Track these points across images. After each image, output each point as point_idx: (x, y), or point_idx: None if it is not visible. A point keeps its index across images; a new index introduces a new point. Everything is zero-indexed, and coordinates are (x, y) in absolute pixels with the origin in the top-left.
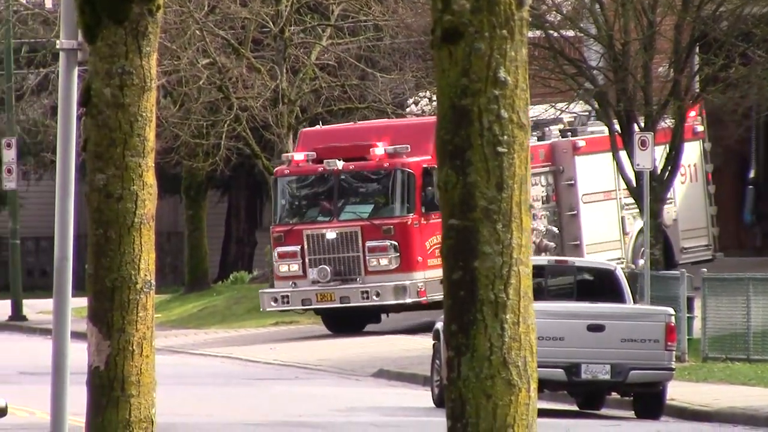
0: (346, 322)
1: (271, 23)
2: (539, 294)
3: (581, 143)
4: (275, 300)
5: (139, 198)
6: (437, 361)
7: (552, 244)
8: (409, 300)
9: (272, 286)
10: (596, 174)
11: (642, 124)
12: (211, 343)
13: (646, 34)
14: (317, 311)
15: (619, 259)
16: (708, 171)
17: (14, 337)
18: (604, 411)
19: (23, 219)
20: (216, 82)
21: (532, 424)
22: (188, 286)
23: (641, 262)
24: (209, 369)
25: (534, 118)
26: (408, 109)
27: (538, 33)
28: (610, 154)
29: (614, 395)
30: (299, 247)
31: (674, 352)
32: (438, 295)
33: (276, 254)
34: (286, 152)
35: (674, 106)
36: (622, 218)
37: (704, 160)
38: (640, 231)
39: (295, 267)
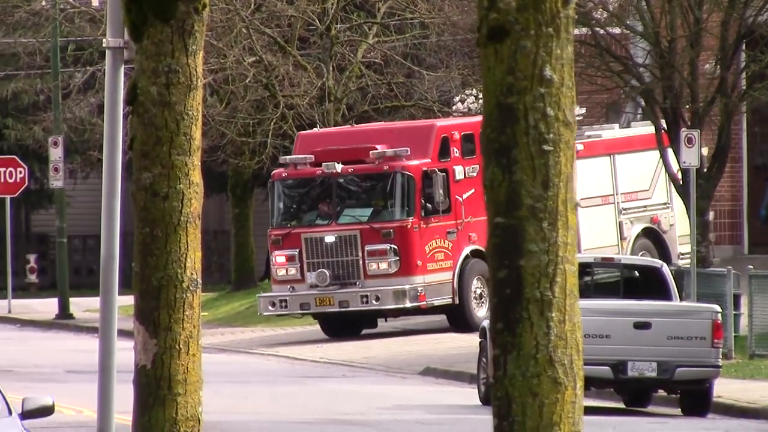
0: (343, 326)
1: (317, 21)
2: (585, 292)
3: (579, 147)
4: (273, 304)
5: (186, 196)
6: (484, 359)
7: None
8: (409, 304)
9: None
10: (594, 178)
11: (688, 122)
12: (258, 341)
13: (693, 30)
14: (315, 315)
15: None
16: None
17: (61, 335)
18: (650, 408)
19: (70, 217)
20: (262, 80)
21: (579, 422)
22: (235, 285)
23: None
24: (256, 367)
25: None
26: (454, 107)
27: (584, 30)
28: (609, 158)
29: (661, 393)
30: (297, 250)
31: (721, 350)
32: (437, 300)
33: (273, 258)
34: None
35: (721, 103)
36: (620, 223)
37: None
38: (638, 236)
39: (293, 271)
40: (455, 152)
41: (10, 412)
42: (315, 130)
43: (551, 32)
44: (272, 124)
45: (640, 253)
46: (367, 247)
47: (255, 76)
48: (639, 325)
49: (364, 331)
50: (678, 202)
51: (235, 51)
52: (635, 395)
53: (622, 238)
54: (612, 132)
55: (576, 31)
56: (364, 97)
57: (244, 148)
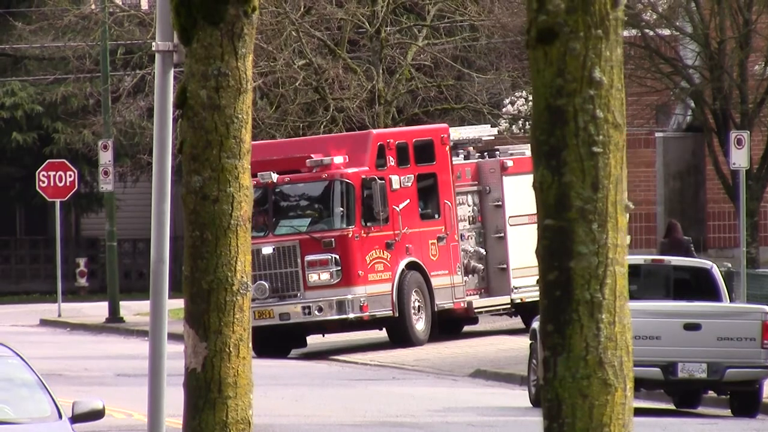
0: (270, 344)
1: (367, 24)
2: (635, 293)
3: (509, 163)
4: None
5: (236, 200)
6: (534, 361)
7: (480, 266)
8: (352, 315)
9: None
10: (523, 196)
11: (738, 123)
12: (308, 344)
13: (742, 32)
14: (253, 330)
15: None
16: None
17: (111, 339)
18: (700, 409)
19: (120, 221)
20: (312, 83)
21: (629, 424)
22: None
23: None
24: (306, 370)
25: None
26: (504, 110)
27: (633, 32)
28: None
29: (711, 394)
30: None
31: None
32: (379, 311)
33: None
34: None
35: None
36: None
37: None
38: None
39: None
40: (391, 161)
41: (61, 416)
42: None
43: (600, 34)
44: (322, 127)
45: None
46: (307, 258)
47: (305, 79)
48: (689, 327)
49: (294, 352)
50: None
51: (285, 54)
52: (685, 396)
53: None
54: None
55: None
56: (414, 99)
57: None
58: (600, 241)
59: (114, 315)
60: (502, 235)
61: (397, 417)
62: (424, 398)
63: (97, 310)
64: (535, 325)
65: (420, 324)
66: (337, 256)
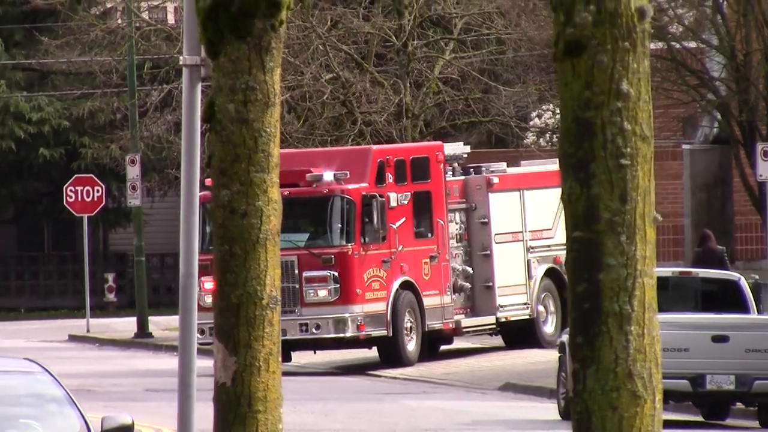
0: None
1: (394, 37)
2: (663, 305)
3: (495, 180)
4: (202, 332)
5: (264, 214)
6: (563, 374)
7: (467, 285)
8: (349, 334)
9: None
10: (507, 213)
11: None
12: (338, 358)
13: None
14: None
15: (525, 304)
16: None
17: (140, 354)
18: (728, 421)
19: (148, 236)
20: (339, 96)
21: None
22: None
23: (541, 308)
24: (335, 384)
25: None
26: (531, 123)
27: (659, 45)
28: (518, 193)
29: (739, 405)
30: None
31: None
32: (375, 331)
33: (201, 284)
34: None
35: None
36: (528, 261)
37: None
38: (543, 276)
39: None
40: (389, 178)
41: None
42: None
43: (627, 46)
44: (350, 140)
45: (543, 296)
46: (306, 274)
47: (332, 93)
48: (717, 339)
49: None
50: None
51: (312, 68)
52: (713, 408)
53: (529, 277)
54: (517, 167)
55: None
56: (441, 113)
57: None
58: (629, 253)
59: (142, 330)
60: (488, 252)
61: (426, 430)
62: (454, 412)
63: (125, 326)
64: (564, 337)
65: (411, 345)
66: (336, 274)
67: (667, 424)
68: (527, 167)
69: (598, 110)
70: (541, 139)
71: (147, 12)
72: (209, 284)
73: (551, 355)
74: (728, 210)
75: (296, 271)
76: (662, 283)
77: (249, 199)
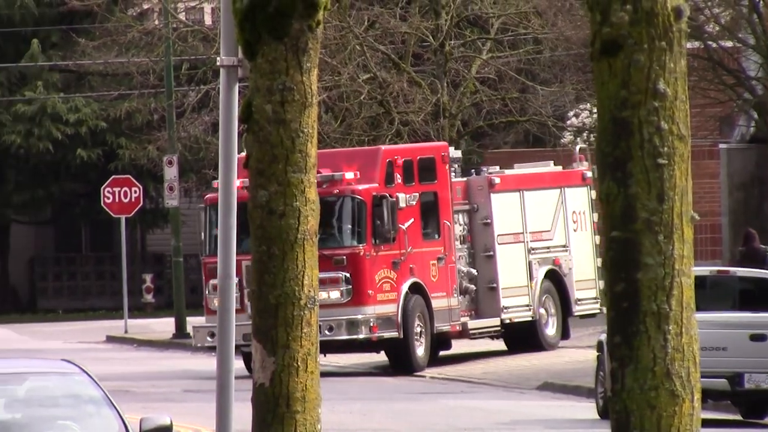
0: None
1: (431, 37)
2: (701, 304)
3: (497, 180)
4: (212, 335)
5: (302, 214)
6: (601, 373)
7: (472, 287)
8: (362, 336)
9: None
10: (509, 214)
11: None
12: (376, 357)
13: None
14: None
15: (527, 306)
16: (594, 221)
17: (178, 354)
18: (767, 420)
19: (185, 236)
20: (377, 96)
21: None
22: None
23: (542, 310)
24: (374, 384)
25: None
26: (568, 122)
27: (696, 44)
28: (518, 193)
29: None
30: (237, 279)
31: None
32: (386, 333)
33: (210, 287)
34: None
35: None
36: (530, 263)
37: (591, 209)
38: (544, 278)
39: None
40: (398, 178)
41: None
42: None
43: (664, 46)
44: (387, 140)
45: (544, 298)
46: (318, 275)
47: (369, 93)
48: (755, 337)
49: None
50: (575, 245)
51: (350, 68)
52: (752, 407)
53: (531, 279)
54: (520, 167)
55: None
56: (478, 112)
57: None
58: (666, 253)
59: (180, 331)
60: (491, 253)
61: (464, 430)
62: (492, 411)
63: (163, 326)
64: (602, 337)
65: (420, 349)
66: (348, 275)
67: (706, 423)
68: (523, 169)
69: (635, 110)
70: (579, 139)
71: (184, 13)
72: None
73: (590, 354)
74: (765, 209)
75: None
76: (700, 282)
77: (287, 200)
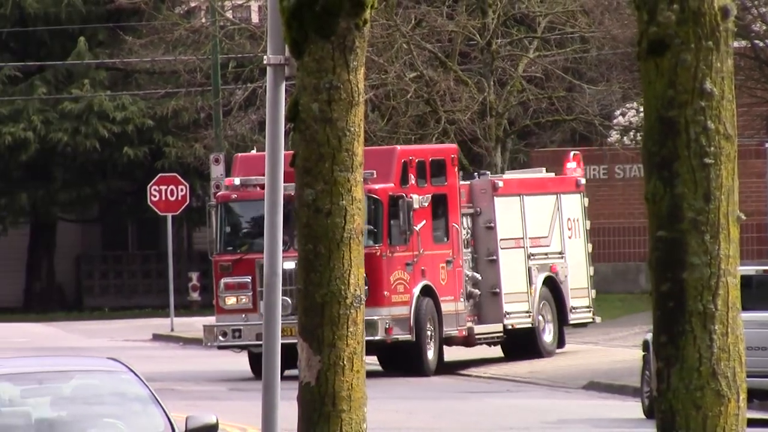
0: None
1: (478, 36)
2: (747, 304)
3: (500, 183)
4: (224, 334)
5: (348, 213)
6: (647, 372)
7: (477, 291)
8: (378, 337)
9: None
10: (511, 219)
11: None
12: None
13: None
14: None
15: (527, 312)
16: (587, 228)
17: (224, 353)
18: None
19: None
20: (423, 95)
21: None
22: None
23: (540, 317)
24: (419, 383)
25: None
26: (615, 121)
27: (743, 43)
28: (519, 198)
29: None
30: (250, 278)
31: None
32: (401, 335)
33: (222, 285)
34: (494, 165)
35: None
36: (529, 269)
37: (584, 216)
38: (543, 284)
39: (244, 299)
40: (412, 179)
41: (174, 431)
42: (252, 152)
43: (711, 45)
44: (434, 139)
45: (542, 304)
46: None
47: (416, 92)
48: None
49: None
50: (569, 253)
51: (396, 66)
52: None
53: (530, 284)
54: (513, 173)
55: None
56: (525, 111)
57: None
58: (712, 252)
59: None
60: (494, 258)
61: (511, 430)
62: (538, 410)
63: None
64: (648, 336)
65: (430, 353)
66: (365, 275)
67: (751, 423)
68: (518, 174)
69: (681, 109)
70: (625, 138)
71: (231, 11)
72: (231, 286)
73: (636, 354)
74: None
75: None
76: (746, 281)
77: (333, 198)
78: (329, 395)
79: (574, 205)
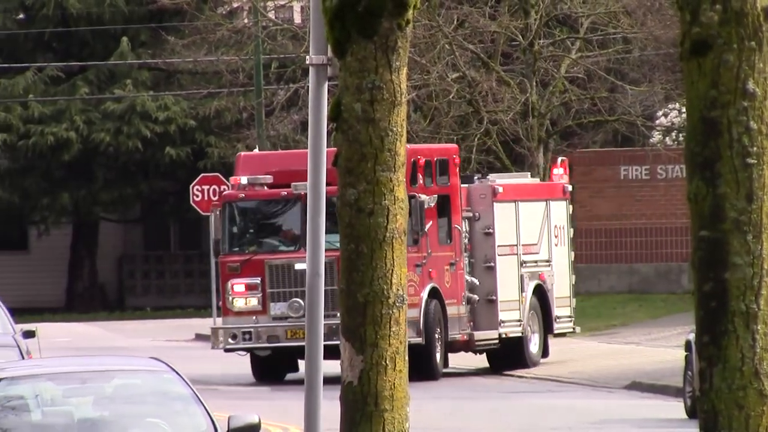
0: (272, 368)
1: (520, 36)
2: None
3: (500, 189)
4: (234, 337)
5: (391, 212)
6: (689, 372)
7: (475, 297)
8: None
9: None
10: (507, 225)
11: None
12: (463, 356)
13: None
14: (277, 350)
15: (519, 320)
16: (571, 236)
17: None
18: None
19: None
20: (466, 95)
21: None
22: None
23: (528, 327)
24: (461, 383)
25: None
26: (657, 121)
27: None
28: (514, 204)
29: None
30: (259, 279)
31: None
32: (412, 339)
33: (230, 287)
34: (537, 165)
35: None
36: (521, 276)
37: (569, 224)
38: (533, 293)
39: (253, 301)
40: (420, 179)
41: (216, 431)
42: (255, 152)
43: (754, 46)
44: (476, 139)
45: (531, 313)
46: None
47: (458, 92)
48: None
49: (289, 376)
50: (556, 260)
51: (438, 67)
52: None
53: (522, 292)
54: (499, 177)
55: None
56: (567, 112)
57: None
58: (755, 252)
59: None
60: (491, 264)
61: (552, 430)
62: (580, 411)
63: None
64: (690, 336)
65: (437, 356)
66: None
67: None
68: (507, 178)
69: (724, 109)
70: (667, 138)
71: (273, 11)
72: (240, 287)
73: (678, 354)
74: None
75: (335, 273)
76: None
77: (375, 198)
78: (372, 395)
79: (560, 212)
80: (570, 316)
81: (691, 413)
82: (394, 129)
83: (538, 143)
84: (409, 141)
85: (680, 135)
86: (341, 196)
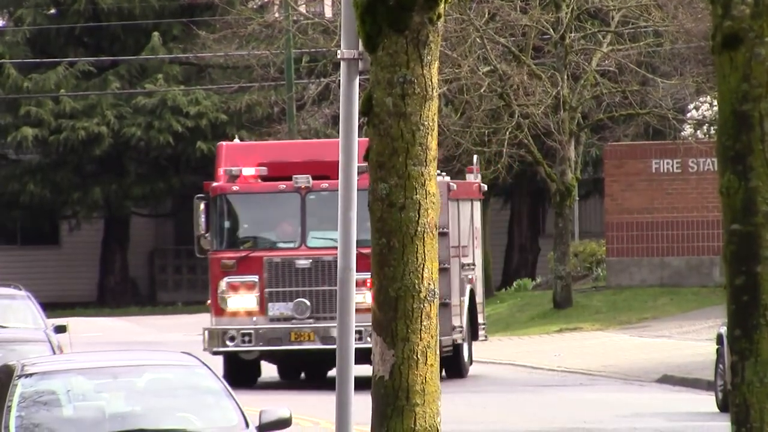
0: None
1: (551, 30)
2: None
3: (454, 186)
4: (232, 338)
5: (422, 207)
6: (720, 366)
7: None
8: None
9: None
10: (454, 225)
11: None
12: (495, 350)
13: None
14: (289, 353)
15: (460, 327)
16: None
17: None
18: None
19: None
20: (497, 89)
21: None
22: None
23: (467, 334)
24: (492, 376)
25: None
26: (689, 115)
27: None
28: (456, 203)
29: None
30: (257, 277)
31: None
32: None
33: (225, 285)
34: (568, 158)
35: None
36: (461, 280)
37: (483, 225)
38: (469, 298)
39: (251, 301)
40: None
41: (247, 425)
42: (236, 141)
43: None
44: (507, 133)
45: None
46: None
47: (490, 86)
48: None
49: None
50: (477, 263)
51: (470, 61)
52: None
53: (461, 296)
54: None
55: None
56: (598, 105)
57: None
58: None
59: None
60: (446, 266)
61: (584, 423)
62: (612, 404)
63: None
64: (722, 329)
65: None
66: None
67: None
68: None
69: (755, 103)
70: (699, 131)
71: (304, 5)
72: (235, 285)
73: (710, 347)
74: None
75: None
76: None
77: (407, 193)
78: (403, 389)
79: (478, 213)
80: (483, 323)
81: (723, 407)
82: (426, 123)
83: (569, 137)
84: (440, 135)
85: (712, 128)
86: (372, 191)
